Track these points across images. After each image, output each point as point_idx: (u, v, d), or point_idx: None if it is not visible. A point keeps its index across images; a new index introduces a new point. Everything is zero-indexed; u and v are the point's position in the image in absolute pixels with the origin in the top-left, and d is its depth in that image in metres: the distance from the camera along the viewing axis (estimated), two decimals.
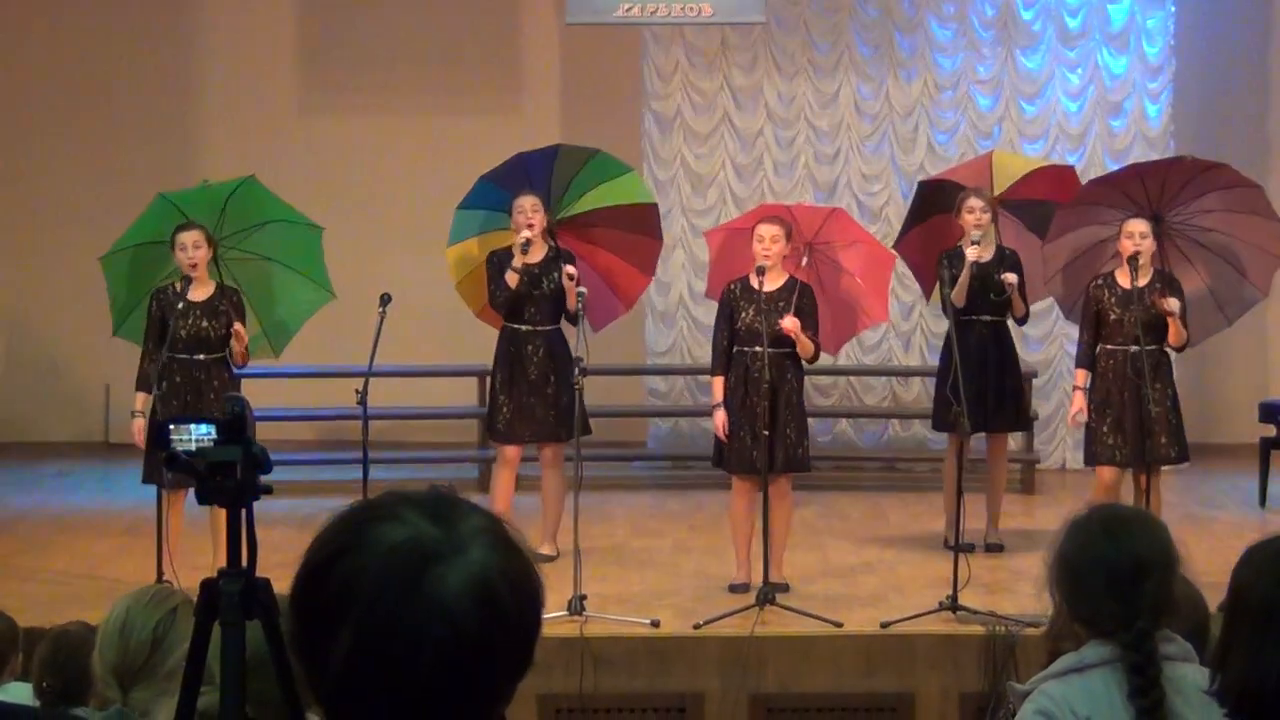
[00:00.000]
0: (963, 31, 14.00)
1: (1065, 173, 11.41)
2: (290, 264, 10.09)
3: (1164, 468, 10.19)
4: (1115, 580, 3.67)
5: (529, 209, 10.12)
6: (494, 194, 10.51)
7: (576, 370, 9.49)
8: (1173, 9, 13.95)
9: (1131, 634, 3.62)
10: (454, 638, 1.93)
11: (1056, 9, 13.95)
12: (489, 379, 10.60)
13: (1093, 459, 10.08)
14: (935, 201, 11.01)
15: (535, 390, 10.22)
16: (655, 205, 11.00)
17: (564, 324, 10.34)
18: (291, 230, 10.07)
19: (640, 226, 10.66)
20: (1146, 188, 10.07)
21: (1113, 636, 3.65)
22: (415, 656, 1.92)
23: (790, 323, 9.56)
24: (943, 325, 10.79)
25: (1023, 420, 11.25)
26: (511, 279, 10.11)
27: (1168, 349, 9.99)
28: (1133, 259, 9.75)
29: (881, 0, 13.98)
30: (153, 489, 9.44)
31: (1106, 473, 9.97)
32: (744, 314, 9.68)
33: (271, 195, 10.07)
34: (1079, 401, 10.06)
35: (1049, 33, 13.97)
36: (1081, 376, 10.11)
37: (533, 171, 10.44)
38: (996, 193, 10.85)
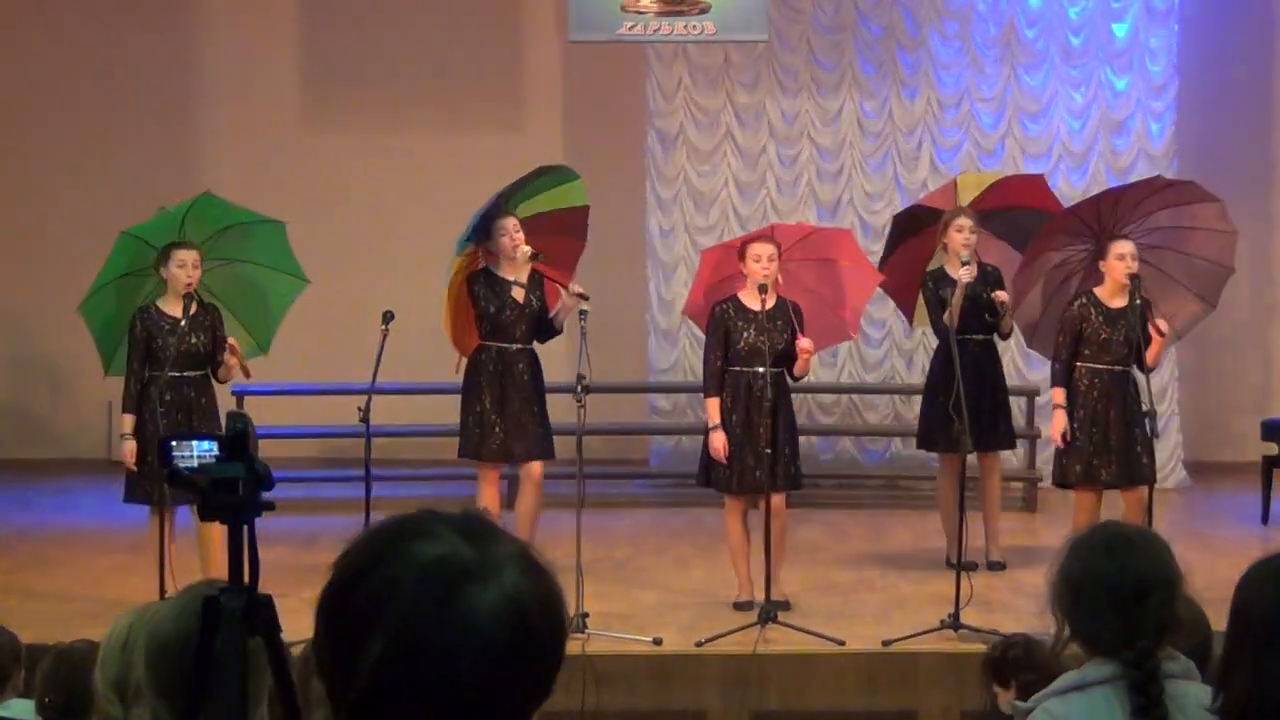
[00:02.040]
0: (966, 49, 14.02)
1: (1030, 179, 11.41)
2: (259, 260, 10.12)
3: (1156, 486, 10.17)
4: (1118, 599, 3.67)
5: (511, 229, 10.14)
6: (476, 223, 10.52)
7: (579, 388, 9.48)
8: (1176, 27, 13.97)
9: (1134, 652, 3.62)
10: (484, 657, 1.94)
11: (1059, 27, 13.97)
12: (473, 400, 10.30)
13: (1074, 478, 9.94)
14: (908, 228, 10.99)
15: (526, 408, 10.20)
16: (586, 208, 10.74)
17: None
18: (252, 230, 10.10)
19: (564, 229, 10.58)
20: (1084, 219, 10.08)
21: (1115, 655, 3.65)
22: (444, 673, 1.93)
23: (809, 343, 9.57)
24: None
25: (1013, 437, 11.31)
26: (519, 294, 10.13)
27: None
28: (1135, 278, 9.75)
29: (884, 18, 14.00)
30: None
31: (1088, 496, 9.92)
32: (744, 334, 9.67)
33: (227, 203, 10.08)
34: (1063, 420, 9.95)
35: (1052, 50, 13.98)
36: (1062, 395, 10.02)
37: (486, 212, 10.43)
38: (961, 204, 10.83)
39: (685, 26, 13.23)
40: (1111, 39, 13.97)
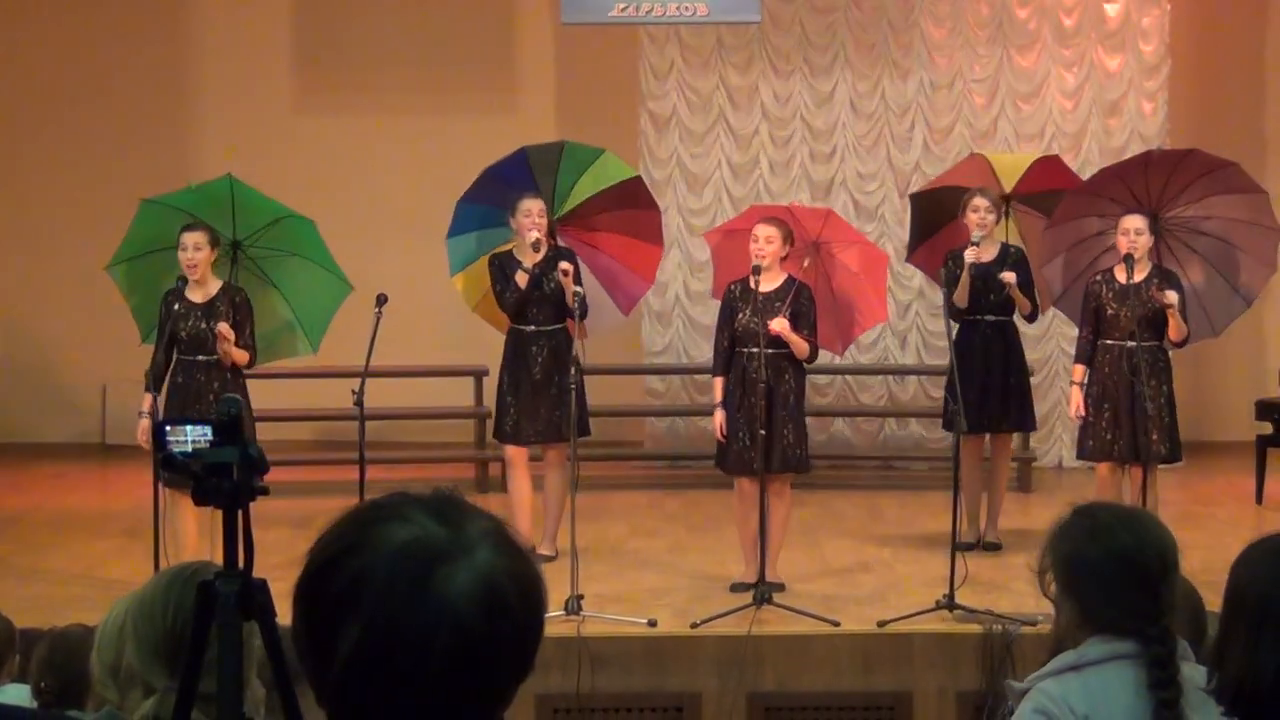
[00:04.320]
0: (958, 30, 14.01)
1: (1058, 161, 11.46)
2: (311, 257, 10.10)
3: (1160, 466, 10.18)
4: (1144, 576, 3.64)
5: (536, 213, 10.15)
6: (479, 212, 10.52)
7: (573, 370, 9.50)
8: (1168, 7, 13.96)
9: (1159, 628, 3.60)
10: (460, 638, 1.93)
11: (1052, 8, 13.96)
12: (498, 381, 10.53)
13: (1086, 453, 10.12)
14: (937, 211, 11.00)
15: (540, 391, 10.24)
16: (639, 177, 10.92)
17: (569, 323, 10.37)
18: (296, 225, 10.07)
19: (635, 201, 10.65)
20: (1149, 181, 10.08)
21: (1134, 633, 3.61)
22: (421, 656, 1.93)
23: (778, 324, 9.54)
24: (938, 324, 10.79)
25: (1029, 419, 11.20)
26: (521, 279, 10.13)
27: (1166, 346, 10.00)
28: (1128, 256, 9.78)
29: None
30: (149, 488, 9.44)
31: (1104, 468, 9.99)
32: (742, 315, 9.69)
33: (257, 192, 10.06)
34: (1077, 397, 10.06)
35: (1044, 31, 13.98)
36: (1080, 372, 10.12)
37: (512, 178, 10.42)
38: (1008, 189, 10.87)
39: (678, 8, 13.21)
40: (1104, 19, 13.96)
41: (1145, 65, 13.95)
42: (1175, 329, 9.87)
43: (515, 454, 10.43)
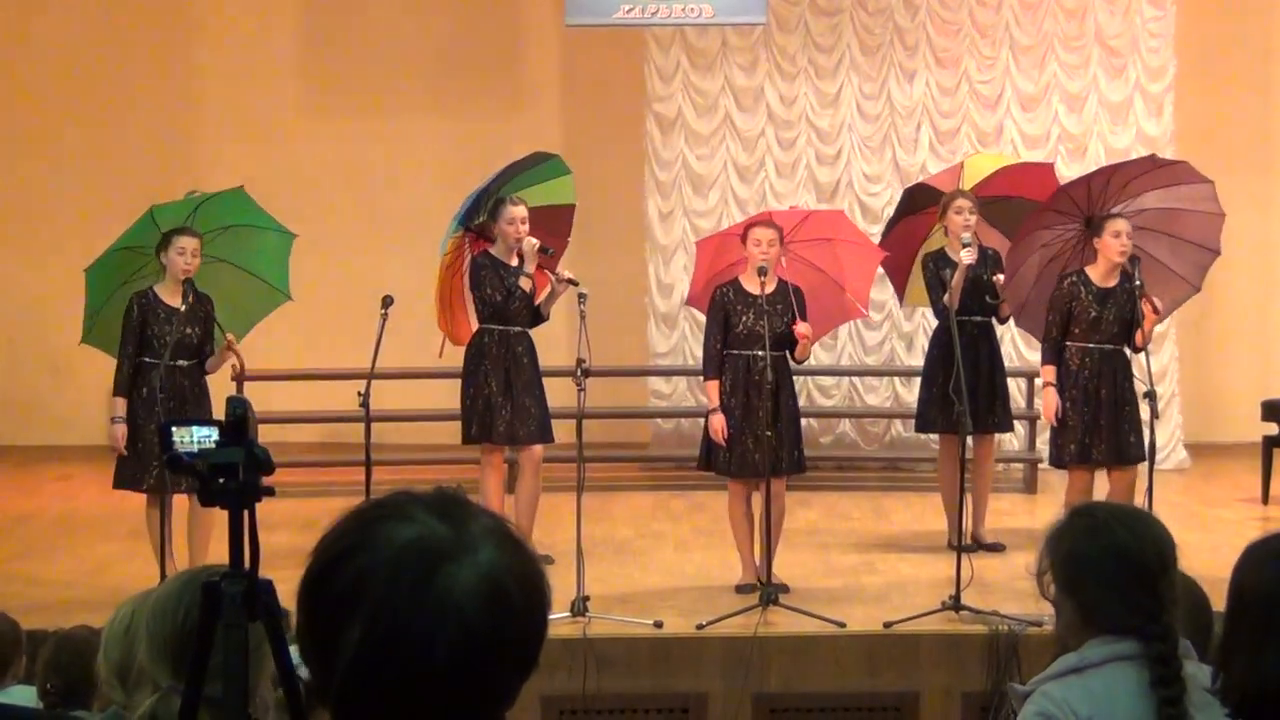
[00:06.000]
0: (963, 33, 14.00)
1: (1039, 169, 11.35)
2: (244, 265, 10.03)
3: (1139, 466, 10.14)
4: (1144, 574, 3.63)
5: (520, 220, 10.16)
6: (470, 206, 10.52)
7: (579, 371, 9.48)
8: (1174, 10, 13.94)
9: (1160, 626, 3.59)
10: (464, 636, 1.93)
11: (1057, 11, 13.94)
12: (476, 382, 10.32)
13: (1069, 458, 9.89)
14: (913, 203, 11.02)
15: (529, 391, 10.23)
16: (572, 206, 10.77)
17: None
18: (255, 235, 10.02)
19: (550, 227, 10.56)
20: (1074, 198, 10.03)
21: (1135, 632, 3.61)
22: (425, 654, 1.93)
23: (805, 328, 9.57)
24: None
25: (1009, 420, 11.21)
26: (526, 284, 10.15)
27: (1125, 349, 9.93)
28: (1133, 259, 9.74)
29: (882, 2, 13.97)
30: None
31: (1081, 474, 9.90)
32: (743, 317, 9.67)
33: (250, 202, 10.00)
34: (1054, 399, 9.92)
35: (1050, 34, 13.96)
36: (1052, 373, 9.98)
37: (492, 180, 10.44)
38: (965, 189, 10.85)
39: (683, 9, 13.21)
40: (1109, 23, 13.95)
41: (1150, 69, 13.94)
42: (1148, 334, 9.85)
43: (496, 457, 10.40)
